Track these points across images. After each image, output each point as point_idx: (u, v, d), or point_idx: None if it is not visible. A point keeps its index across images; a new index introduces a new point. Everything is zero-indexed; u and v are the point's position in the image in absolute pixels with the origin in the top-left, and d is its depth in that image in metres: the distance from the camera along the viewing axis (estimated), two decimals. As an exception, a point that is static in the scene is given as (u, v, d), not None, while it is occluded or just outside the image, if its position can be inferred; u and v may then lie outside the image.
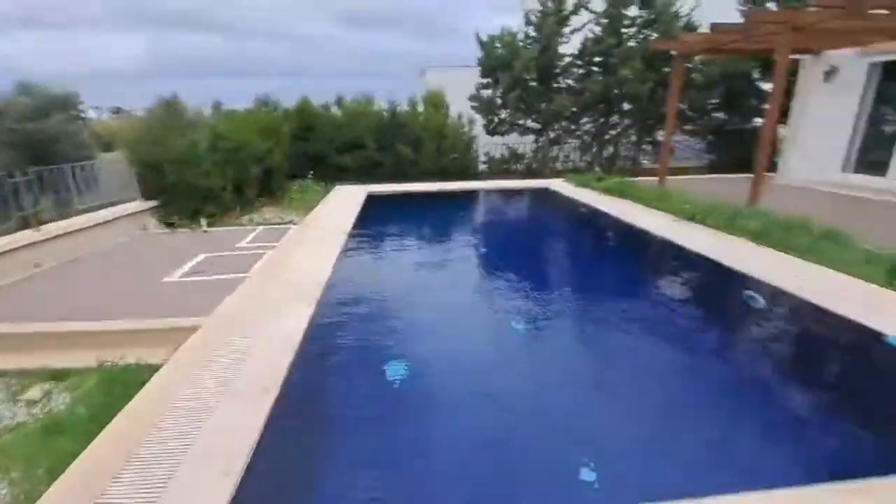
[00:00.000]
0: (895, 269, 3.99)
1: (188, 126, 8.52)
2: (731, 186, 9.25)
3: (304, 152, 11.89)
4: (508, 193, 10.93)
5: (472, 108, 13.73)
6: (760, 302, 4.34)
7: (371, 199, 9.26)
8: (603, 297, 5.24)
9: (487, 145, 14.41)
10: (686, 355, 3.88)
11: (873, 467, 2.25)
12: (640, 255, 6.65)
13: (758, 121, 13.79)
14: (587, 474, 2.39)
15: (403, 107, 12.88)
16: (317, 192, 10.23)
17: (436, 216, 9.52)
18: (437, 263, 6.55)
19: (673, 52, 10.67)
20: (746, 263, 4.85)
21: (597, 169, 12.22)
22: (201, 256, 6.18)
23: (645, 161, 15.79)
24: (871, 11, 6.29)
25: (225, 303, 4.20)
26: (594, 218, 7.95)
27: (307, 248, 5.98)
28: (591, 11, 13.36)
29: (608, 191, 8.96)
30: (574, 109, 13.57)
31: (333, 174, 11.79)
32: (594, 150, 14.76)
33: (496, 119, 13.78)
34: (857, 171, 9.03)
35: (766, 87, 13.43)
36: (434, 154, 12.06)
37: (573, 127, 14.31)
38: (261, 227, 7.75)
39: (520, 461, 2.61)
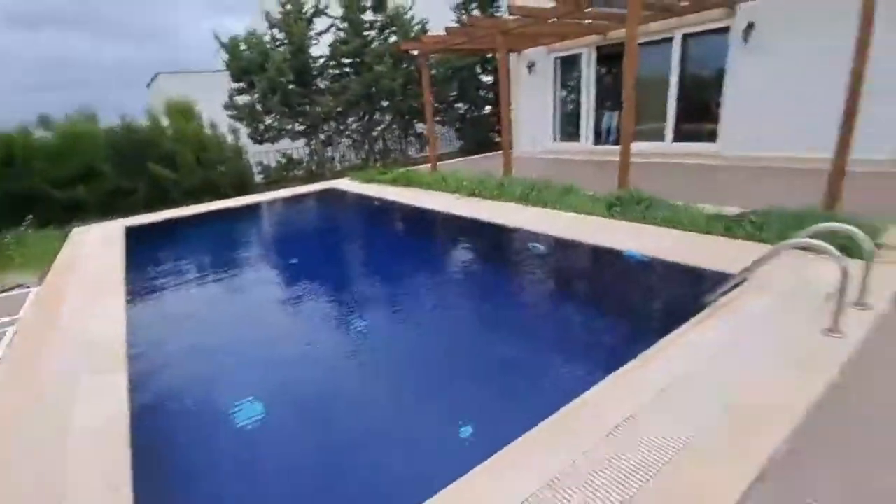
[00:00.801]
0: (611, 204, 5.73)
1: None
2: (484, 163, 11.18)
3: (7, 194, 8.93)
4: (296, 200, 10.57)
5: (230, 116, 12.62)
6: (540, 248, 5.58)
7: (134, 236, 7.69)
8: (422, 271, 5.87)
9: (258, 154, 13.52)
10: (497, 292, 4.93)
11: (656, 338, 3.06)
12: (441, 231, 7.55)
13: (487, 108, 16.78)
14: (464, 431, 2.71)
15: (141, 121, 10.91)
16: (46, 240, 7.90)
17: (225, 238, 8.57)
18: (248, 285, 6.06)
19: (415, 52, 12.03)
20: (521, 221, 6.12)
21: (377, 164, 12.91)
22: None
23: (411, 151, 17.39)
24: (549, 21, 8.44)
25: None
26: (391, 208, 8.53)
27: (75, 308, 4.73)
28: (329, 16, 13.76)
29: (394, 181, 9.67)
30: (339, 109, 13.90)
31: (63, 214, 9.25)
32: (366, 146, 15.47)
33: (261, 126, 13.02)
34: (562, 140, 12.05)
35: (486, 79, 16.43)
36: (196, 168, 10.67)
37: (342, 127, 14.67)
38: (-26, 302, 5.63)
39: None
